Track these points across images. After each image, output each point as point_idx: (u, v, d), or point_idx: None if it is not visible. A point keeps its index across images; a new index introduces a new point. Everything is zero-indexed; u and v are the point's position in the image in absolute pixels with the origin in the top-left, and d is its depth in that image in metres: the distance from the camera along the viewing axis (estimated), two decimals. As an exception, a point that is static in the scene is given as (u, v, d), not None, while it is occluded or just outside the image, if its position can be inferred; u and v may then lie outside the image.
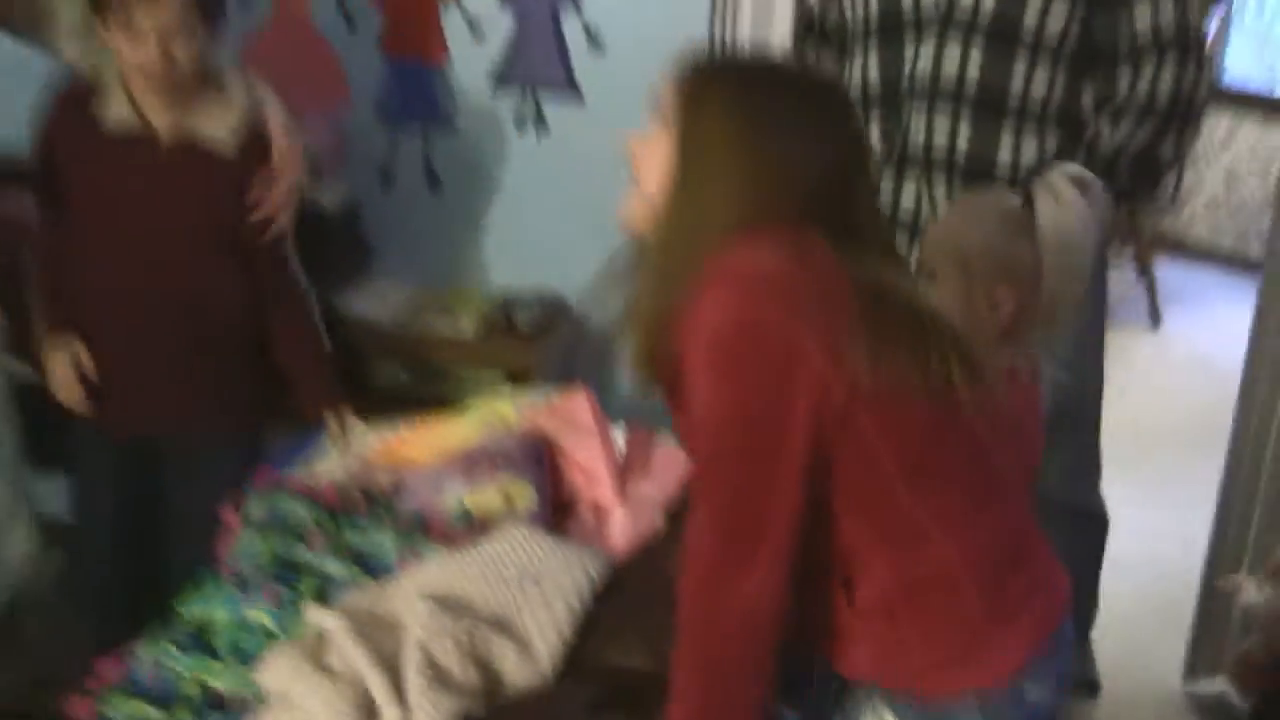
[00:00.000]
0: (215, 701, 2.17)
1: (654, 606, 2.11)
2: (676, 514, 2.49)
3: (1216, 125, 6.56)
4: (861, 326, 1.82)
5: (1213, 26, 6.48)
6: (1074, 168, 2.36)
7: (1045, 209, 2.25)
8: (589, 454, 2.65)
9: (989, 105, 3.01)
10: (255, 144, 2.90)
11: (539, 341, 3.64)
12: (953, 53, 3.01)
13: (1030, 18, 2.96)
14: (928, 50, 3.03)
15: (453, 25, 3.71)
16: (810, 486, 1.84)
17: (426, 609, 2.15)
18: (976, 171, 3.03)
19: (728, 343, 1.83)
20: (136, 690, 2.17)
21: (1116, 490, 3.53)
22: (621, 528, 2.54)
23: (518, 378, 3.48)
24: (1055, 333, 2.31)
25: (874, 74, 3.12)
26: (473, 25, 3.69)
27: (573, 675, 2.16)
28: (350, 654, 2.11)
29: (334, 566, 2.38)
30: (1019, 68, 2.99)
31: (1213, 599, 3.60)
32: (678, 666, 1.91)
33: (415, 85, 3.76)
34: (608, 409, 2.75)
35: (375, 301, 3.71)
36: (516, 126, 3.73)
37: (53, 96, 2.96)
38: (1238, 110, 6.64)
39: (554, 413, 2.75)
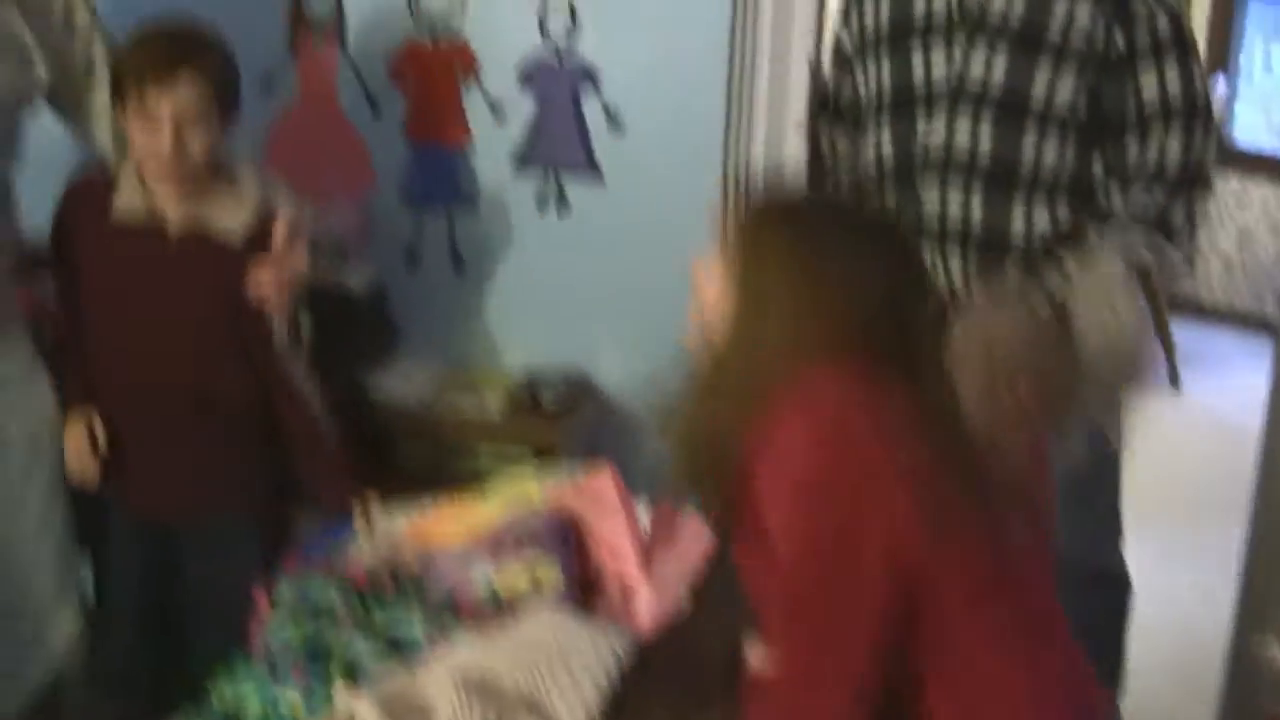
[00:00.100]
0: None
1: (680, 683, 2.14)
2: (701, 590, 2.51)
3: (1228, 187, 6.58)
4: (933, 460, 1.86)
5: (1219, 88, 6.53)
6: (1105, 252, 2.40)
7: (1083, 303, 2.29)
8: (614, 531, 2.67)
9: (1001, 176, 3.04)
10: (263, 236, 2.87)
11: (564, 419, 3.66)
12: (964, 126, 3.05)
13: (1039, 89, 3.00)
14: (939, 124, 3.07)
15: (474, 107, 3.76)
16: (893, 626, 1.86)
17: (456, 691, 2.17)
18: (991, 242, 3.06)
19: (812, 480, 1.86)
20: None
21: (1137, 553, 3.53)
22: (647, 604, 2.56)
23: (543, 455, 3.50)
24: (1106, 418, 2.34)
25: (888, 148, 3.16)
26: (494, 107, 3.74)
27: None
28: (382, 736, 2.13)
29: (364, 648, 2.40)
30: (1029, 139, 3.02)
31: (1240, 662, 3.59)
32: None
33: (439, 168, 3.81)
34: (632, 485, 2.77)
35: (402, 382, 3.74)
36: (539, 206, 3.76)
37: (67, 187, 2.99)
38: (1248, 171, 6.66)
39: (579, 490, 2.77)
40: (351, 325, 3.69)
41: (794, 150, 3.59)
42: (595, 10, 3.62)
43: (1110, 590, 3.44)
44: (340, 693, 2.24)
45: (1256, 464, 3.53)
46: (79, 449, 2.96)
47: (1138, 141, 3.01)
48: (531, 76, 3.69)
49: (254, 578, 2.65)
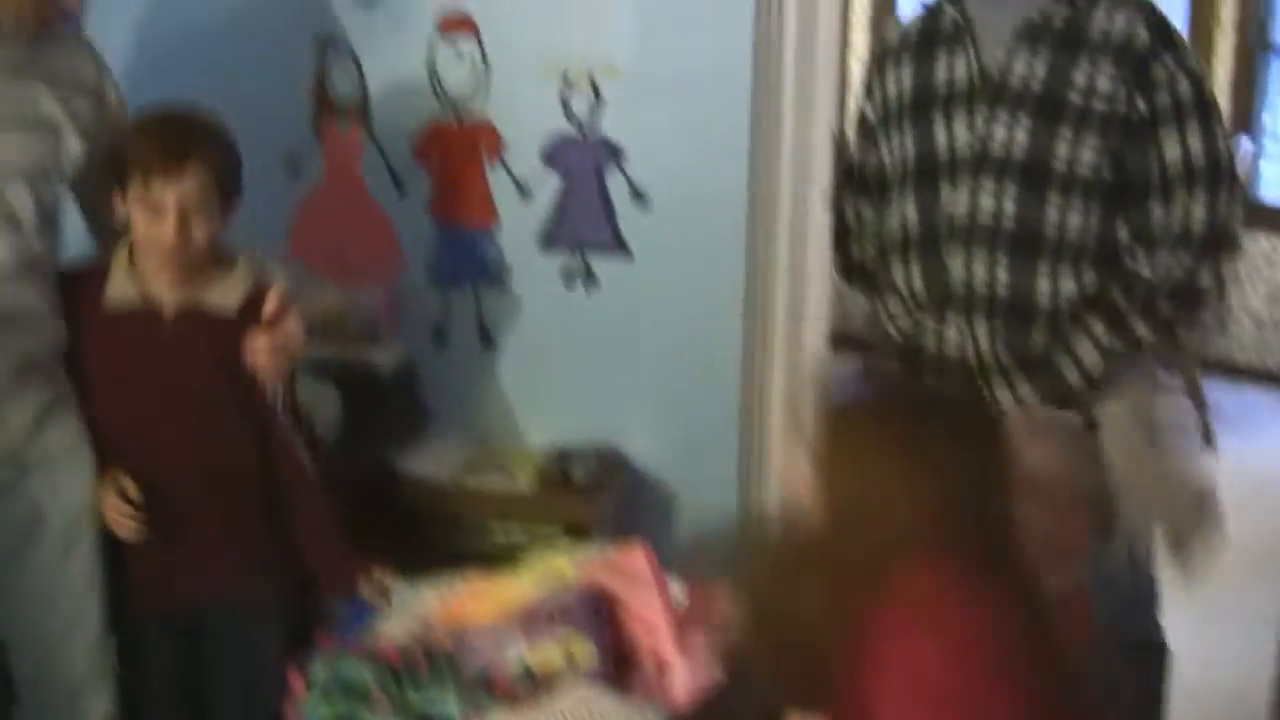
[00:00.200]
0: None
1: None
2: (736, 664, 2.50)
3: (1257, 245, 6.57)
4: (1039, 661, 1.89)
5: (1245, 147, 6.53)
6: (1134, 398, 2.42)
7: (1112, 440, 2.31)
8: (648, 606, 2.67)
9: (1026, 243, 3.04)
10: (257, 306, 2.89)
11: (595, 495, 3.65)
12: (987, 193, 3.05)
13: (1062, 154, 3.00)
14: (963, 191, 3.08)
15: (500, 185, 3.77)
16: None
17: (492, 770, 2.17)
18: (1017, 308, 3.06)
19: (931, 693, 1.86)
20: None
21: (1176, 614, 3.50)
22: (682, 679, 2.55)
23: (575, 532, 3.50)
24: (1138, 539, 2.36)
25: (912, 217, 3.17)
26: (520, 185, 3.75)
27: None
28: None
29: (399, 728, 2.40)
30: (1053, 204, 3.02)
31: (1285, 723, 3.56)
32: None
33: (465, 247, 3.83)
34: (665, 560, 2.77)
35: (432, 460, 3.74)
36: (566, 282, 3.77)
37: (60, 275, 2.98)
38: (1277, 228, 6.65)
39: (612, 565, 2.77)
40: (381, 405, 3.71)
41: (818, 221, 3.60)
42: (617, 87, 3.64)
43: (1149, 659, 3.41)
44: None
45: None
46: (114, 507, 2.94)
47: (1162, 205, 3.01)
48: (556, 154, 3.71)
49: (282, 657, 2.64)
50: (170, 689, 3.10)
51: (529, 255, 3.79)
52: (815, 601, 1.94)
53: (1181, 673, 3.52)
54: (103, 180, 2.89)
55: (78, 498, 2.96)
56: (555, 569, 2.80)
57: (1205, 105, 3.02)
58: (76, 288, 2.96)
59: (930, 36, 3.20)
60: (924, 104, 3.16)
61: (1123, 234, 3.06)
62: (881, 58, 3.33)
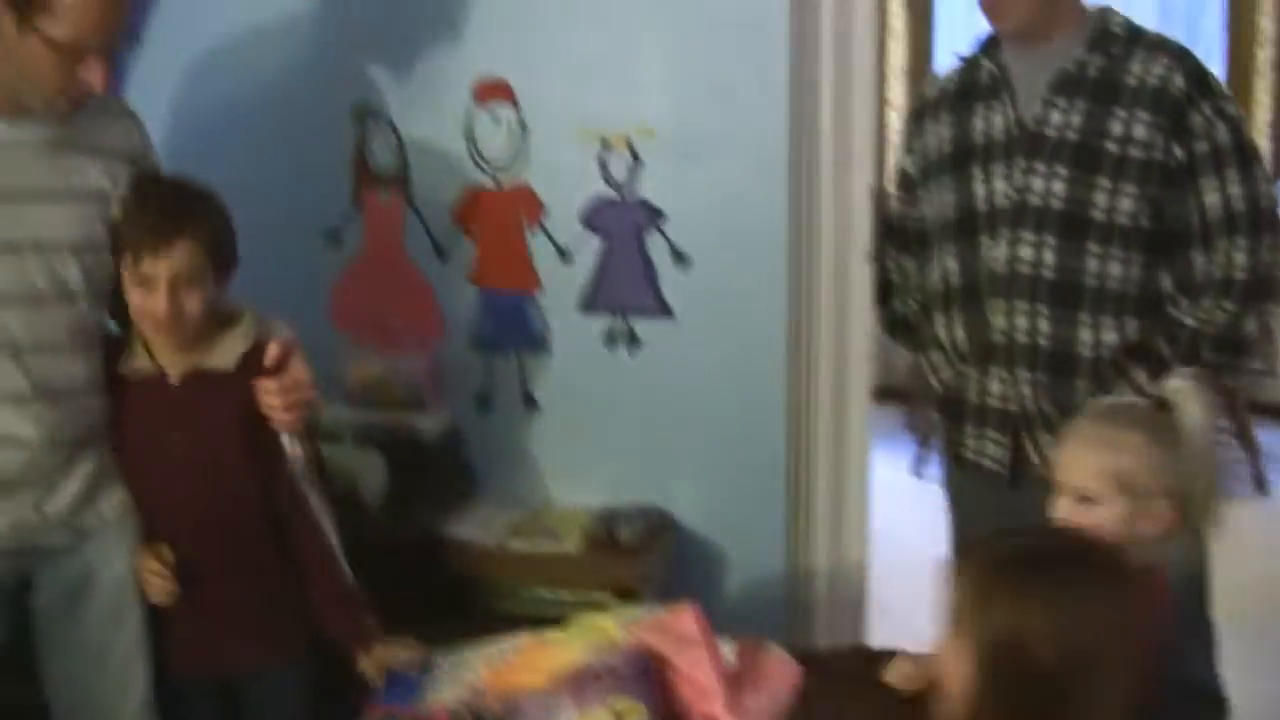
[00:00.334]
0: None
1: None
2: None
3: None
4: None
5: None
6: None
7: (1190, 415, 2.32)
8: (698, 668, 2.65)
9: (1066, 291, 3.04)
10: (255, 358, 2.89)
11: (643, 556, 3.63)
12: (1027, 243, 3.05)
13: (1100, 203, 3.00)
14: (1002, 242, 3.08)
15: (540, 249, 3.79)
16: None
17: (544, 837, 2.16)
18: (1059, 358, 3.05)
19: None
20: None
21: (1229, 661, 3.46)
22: (734, 741, 2.54)
23: (623, 594, 3.48)
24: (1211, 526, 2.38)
25: (953, 270, 3.17)
26: (560, 250, 3.77)
27: None
28: None
29: (451, 796, 2.40)
30: (1092, 253, 3.02)
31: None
32: None
33: (508, 312, 3.84)
34: (715, 622, 2.75)
35: (478, 525, 3.73)
36: (609, 345, 3.78)
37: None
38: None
39: (661, 628, 2.75)
40: (427, 471, 3.71)
41: (860, 276, 3.60)
42: (655, 148, 3.66)
43: (1206, 710, 3.37)
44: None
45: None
46: (150, 571, 2.94)
47: (1203, 253, 3.00)
48: (595, 217, 3.73)
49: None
50: None
51: (571, 318, 3.80)
52: None
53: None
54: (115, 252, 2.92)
55: (126, 563, 2.97)
56: (603, 630, 2.79)
57: (1244, 151, 3.01)
58: (105, 358, 2.97)
59: (967, 89, 3.21)
60: (962, 157, 3.16)
61: (1165, 282, 3.06)
62: (920, 112, 3.35)
